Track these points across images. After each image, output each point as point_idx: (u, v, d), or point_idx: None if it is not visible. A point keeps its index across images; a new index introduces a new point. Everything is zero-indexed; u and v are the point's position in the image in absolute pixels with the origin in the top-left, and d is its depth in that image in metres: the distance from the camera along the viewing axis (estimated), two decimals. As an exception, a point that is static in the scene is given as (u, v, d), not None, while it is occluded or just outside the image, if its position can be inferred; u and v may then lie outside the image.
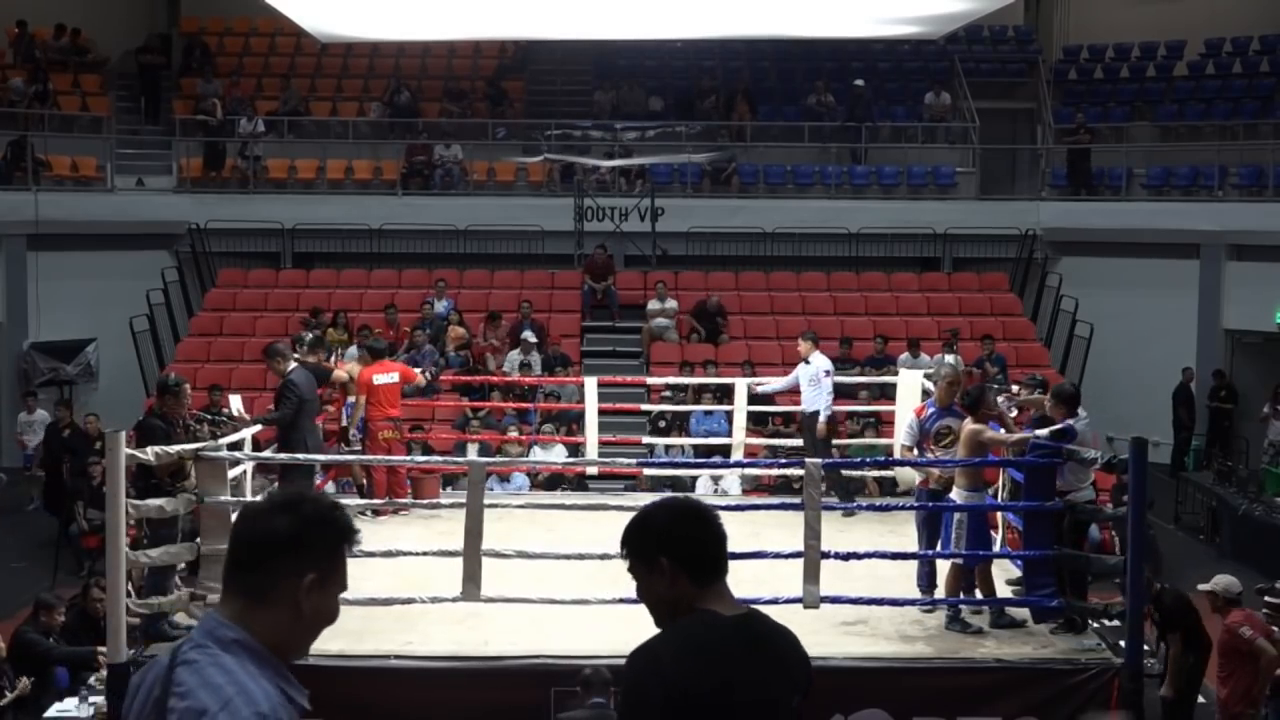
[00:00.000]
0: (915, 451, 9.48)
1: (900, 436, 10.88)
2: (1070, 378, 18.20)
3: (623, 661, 3.17)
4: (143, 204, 21.27)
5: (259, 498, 2.88)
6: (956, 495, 8.81)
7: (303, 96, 23.32)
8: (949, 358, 16.42)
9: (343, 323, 17.91)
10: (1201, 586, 9.04)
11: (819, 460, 9.10)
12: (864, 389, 16.14)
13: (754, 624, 3.17)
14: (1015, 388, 11.74)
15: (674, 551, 3.09)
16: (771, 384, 13.63)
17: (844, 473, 12.13)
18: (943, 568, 9.07)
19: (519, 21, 19.20)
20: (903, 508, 10.60)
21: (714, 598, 3.13)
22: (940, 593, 8.93)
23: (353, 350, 15.59)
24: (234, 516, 8.71)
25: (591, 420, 13.25)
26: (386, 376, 12.23)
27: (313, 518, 2.65)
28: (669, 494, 3.34)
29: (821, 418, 12.22)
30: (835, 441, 14.88)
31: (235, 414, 11.48)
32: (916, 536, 9.46)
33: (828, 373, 12.35)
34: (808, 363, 12.37)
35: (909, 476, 11.23)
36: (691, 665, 3.00)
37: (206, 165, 21.94)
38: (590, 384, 13.58)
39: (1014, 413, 10.49)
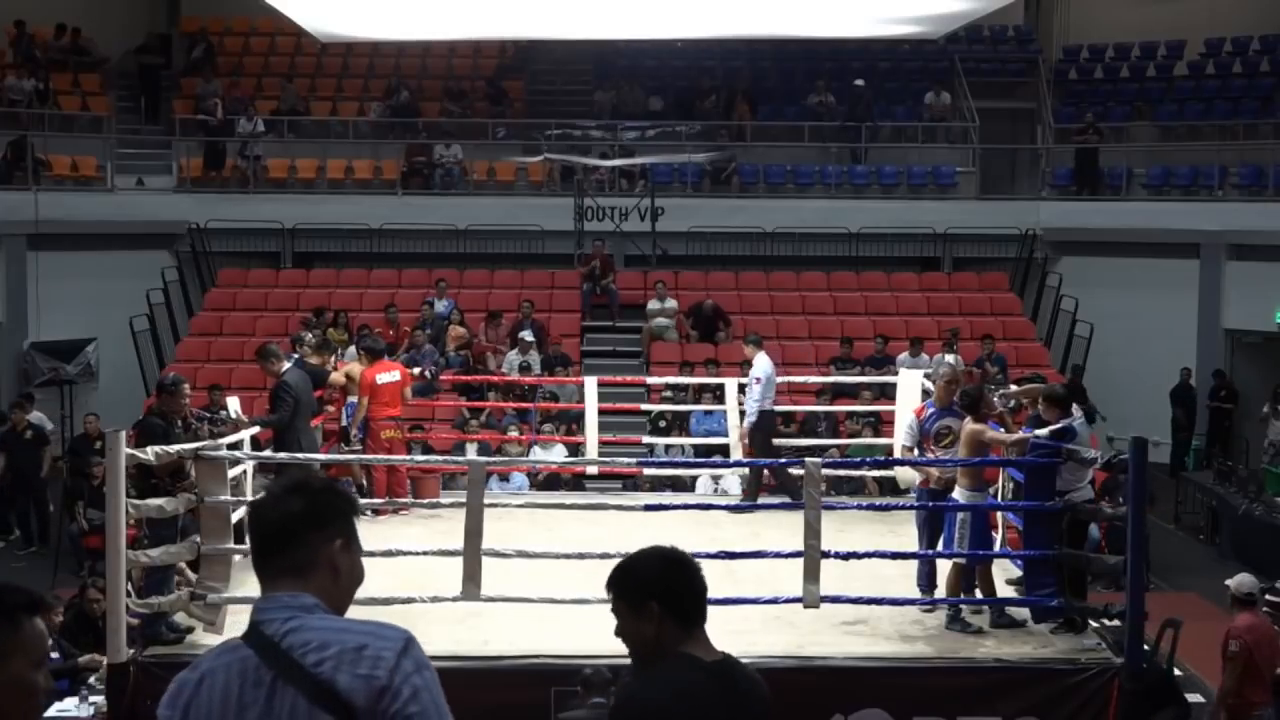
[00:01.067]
0: (915, 452, 9.47)
1: (900, 437, 10.86)
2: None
3: (621, 661, 3.19)
4: (143, 204, 21.27)
5: (259, 494, 2.98)
6: (959, 495, 8.81)
7: (302, 96, 23.32)
8: (949, 358, 16.42)
9: (343, 323, 17.91)
10: (1229, 582, 8.99)
11: (819, 460, 9.10)
12: (865, 389, 16.14)
13: (731, 671, 3.27)
14: (1013, 387, 11.73)
15: (664, 598, 3.20)
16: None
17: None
18: (943, 568, 9.06)
19: (519, 21, 19.20)
20: (903, 507, 10.60)
21: (694, 643, 3.24)
22: (941, 592, 8.93)
23: (353, 350, 15.60)
24: (236, 516, 8.72)
25: (591, 420, 13.25)
26: (388, 376, 12.25)
27: (321, 492, 2.86)
28: (657, 544, 3.41)
29: (745, 422, 12.19)
30: (835, 441, 14.92)
31: (234, 416, 11.46)
32: (917, 536, 9.46)
33: (758, 379, 12.29)
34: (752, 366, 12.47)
35: (909, 477, 11.22)
36: (678, 711, 3.10)
37: (206, 165, 21.94)
38: (590, 384, 13.56)
39: (1011, 403, 10.49)
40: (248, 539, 2.87)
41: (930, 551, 9.07)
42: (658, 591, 3.19)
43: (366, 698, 2.58)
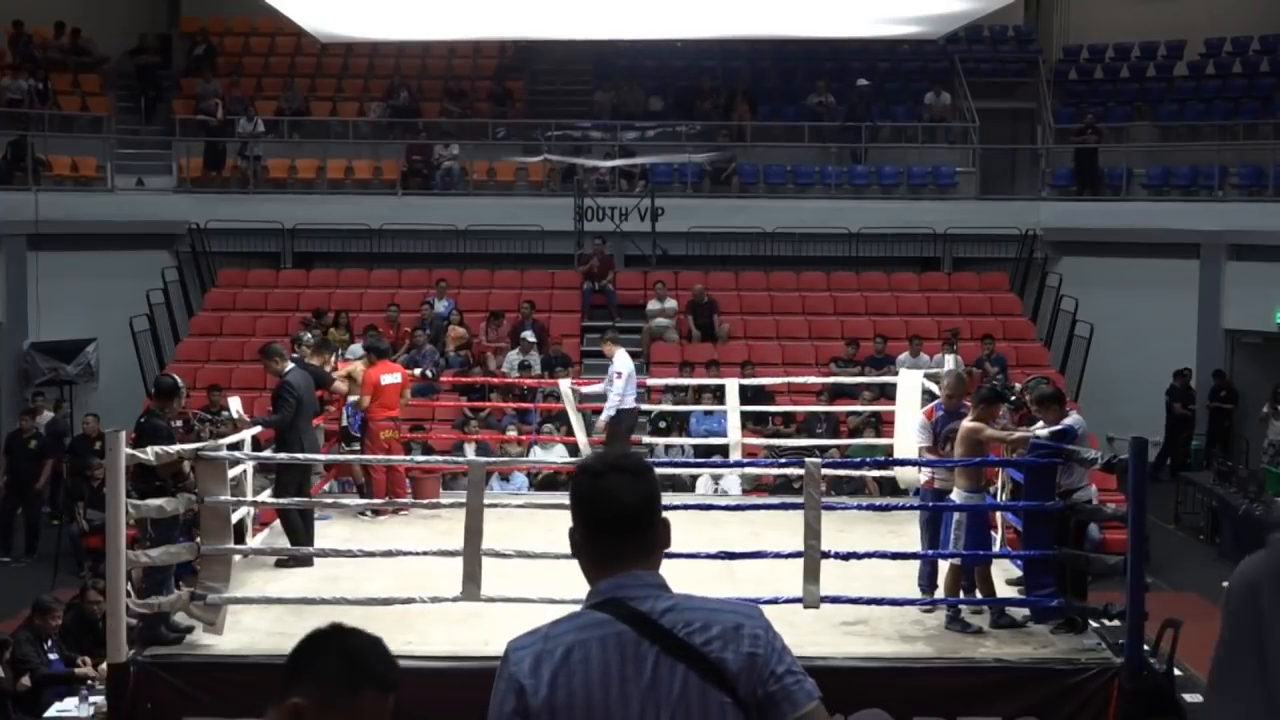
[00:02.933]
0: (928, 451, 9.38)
1: (916, 438, 10.64)
2: (1070, 378, 18.26)
3: None
4: (143, 204, 21.26)
5: (588, 465, 2.94)
6: (956, 495, 8.80)
7: (303, 96, 23.32)
8: (949, 358, 16.42)
9: (344, 323, 17.91)
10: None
11: (819, 460, 9.10)
12: (865, 389, 16.14)
13: None
14: (1016, 385, 11.70)
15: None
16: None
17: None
18: (943, 568, 9.05)
19: (519, 21, 19.21)
20: (903, 507, 10.59)
21: None
22: (940, 593, 8.92)
23: (355, 349, 15.62)
24: (236, 516, 8.68)
25: (577, 423, 13.38)
26: (391, 377, 12.27)
27: (653, 472, 2.95)
28: None
29: (602, 417, 12.54)
30: (835, 441, 14.91)
31: (235, 415, 11.46)
32: (919, 536, 9.44)
33: (619, 374, 12.59)
34: (611, 362, 12.72)
35: (910, 477, 11.22)
36: None
37: (206, 165, 21.94)
38: (564, 385, 13.80)
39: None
40: (584, 519, 2.87)
41: (931, 552, 9.07)
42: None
43: (749, 672, 2.75)
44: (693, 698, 2.72)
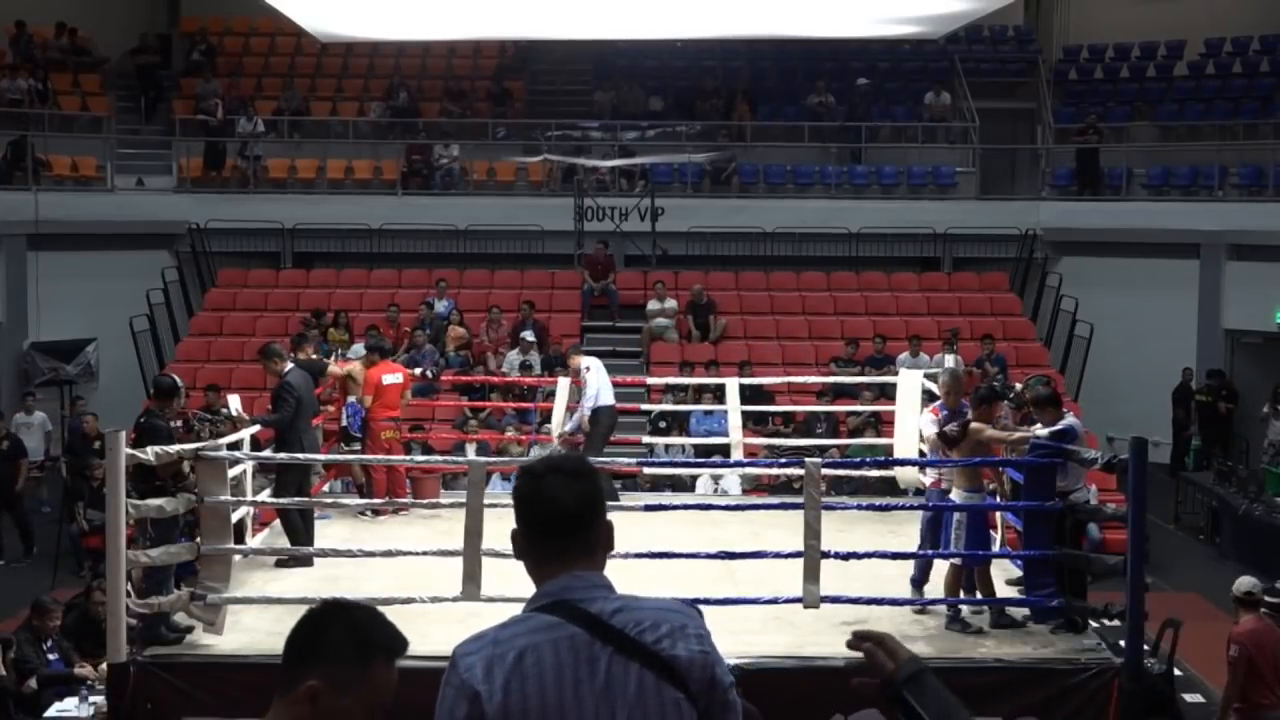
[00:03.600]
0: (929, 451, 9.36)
1: (928, 434, 10.52)
2: (1070, 378, 18.25)
3: None
4: (143, 204, 21.27)
5: (537, 469, 2.94)
6: (956, 495, 8.80)
7: (303, 96, 23.32)
8: (949, 358, 16.43)
9: (344, 323, 17.91)
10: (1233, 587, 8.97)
11: (819, 460, 9.10)
12: (866, 389, 16.14)
13: None
14: (1016, 385, 11.71)
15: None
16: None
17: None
18: (941, 567, 9.05)
19: (519, 21, 19.20)
20: (903, 507, 10.59)
21: None
22: (936, 593, 8.91)
23: (357, 348, 15.61)
24: (236, 516, 8.68)
25: (558, 415, 13.39)
26: (392, 377, 12.29)
27: (596, 474, 2.98)
28: None
29: (582, 413, 12.67)
30: (836, 441, 14.92)
31: (235, 414, 11.47)
32: (921, 536, 9.43)
33: (588, 368, 12.71)
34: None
35: (911, 477, 11.21)
36: None
37: (206, 165, 21.94)
38: (563, 384, 13.73)
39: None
40: (525, 520, 2.88)
41: (930, 552, 9.06)
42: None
43: (701, 670, 2.78)
44: (649, 697, 2.73)
